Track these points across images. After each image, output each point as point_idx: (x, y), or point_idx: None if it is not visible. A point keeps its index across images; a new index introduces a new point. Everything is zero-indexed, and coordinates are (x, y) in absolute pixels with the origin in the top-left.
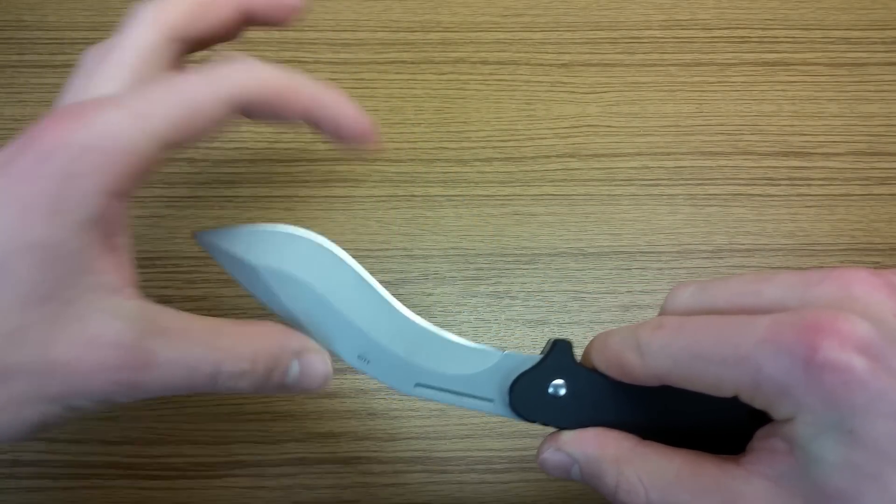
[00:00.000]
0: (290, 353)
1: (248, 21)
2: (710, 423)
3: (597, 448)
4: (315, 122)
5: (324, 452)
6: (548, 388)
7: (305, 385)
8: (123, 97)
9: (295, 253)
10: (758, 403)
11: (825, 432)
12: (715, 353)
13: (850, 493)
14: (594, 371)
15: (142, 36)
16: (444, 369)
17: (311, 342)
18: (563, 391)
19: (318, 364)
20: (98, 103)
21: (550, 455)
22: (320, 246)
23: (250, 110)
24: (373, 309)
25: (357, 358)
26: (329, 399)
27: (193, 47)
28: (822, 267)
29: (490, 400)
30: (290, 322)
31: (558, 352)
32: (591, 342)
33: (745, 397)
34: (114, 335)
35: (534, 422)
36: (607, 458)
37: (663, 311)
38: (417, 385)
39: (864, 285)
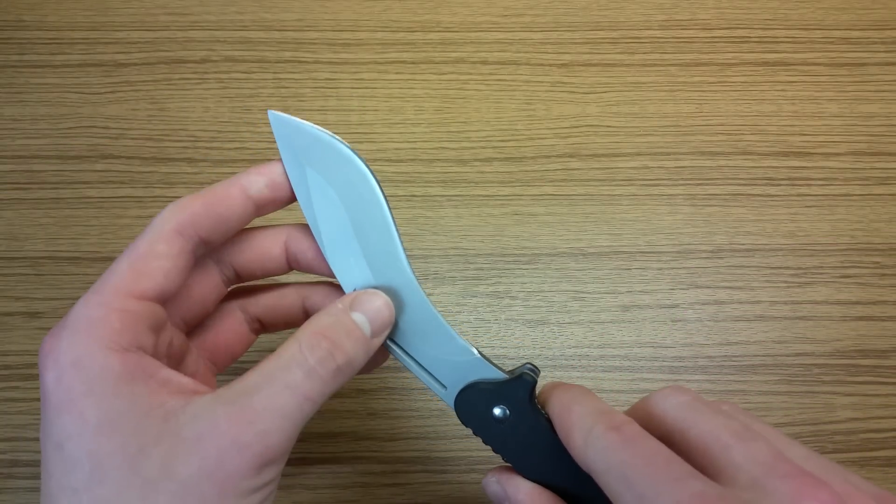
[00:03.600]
0: (340, 304)
1: (261, 210)
2: None
3: (525, 502)
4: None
5: (324, 452)
6: (493, 408)
7: (379, 321)
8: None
9: (343, 173)
10: None
11: None
12: (638, 486)
13: None
14: (543, 416)
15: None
16: (419, 341)
17: (355, 294)
18: (505, 420)
19: (373, 300)
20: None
21: (491, 484)
22: (364, 176)
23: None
24: (385, 260)
25: (349, 286)
26: (329, 399)
27: (212, 243)
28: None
29: (444, 387)
30: (309, 221)
31: (520, 387)
32: (556, 393)
33: None
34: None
35: (467, 426)
36: None
37: (645, 402)
38: (390, 340)
39: None
